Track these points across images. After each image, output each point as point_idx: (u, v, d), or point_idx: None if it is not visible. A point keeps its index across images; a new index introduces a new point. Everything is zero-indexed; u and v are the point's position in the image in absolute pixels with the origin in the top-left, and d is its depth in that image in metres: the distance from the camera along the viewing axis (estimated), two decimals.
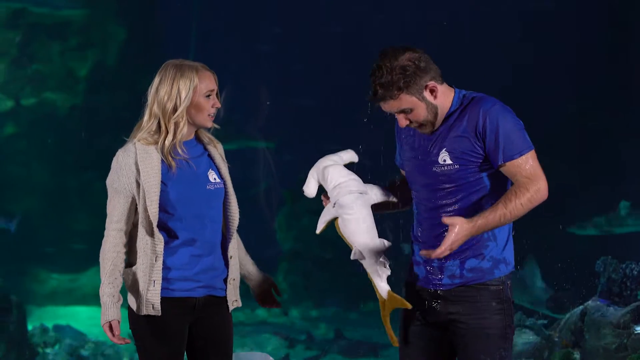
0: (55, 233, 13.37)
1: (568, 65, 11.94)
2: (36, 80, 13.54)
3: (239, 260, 4.20)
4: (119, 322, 3.89)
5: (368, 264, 3.77)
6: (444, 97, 3.81)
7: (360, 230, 3.77)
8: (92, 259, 13.96)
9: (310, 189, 3.91)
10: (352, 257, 3.77)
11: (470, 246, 3.81)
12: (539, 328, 8.51)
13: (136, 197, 3.91)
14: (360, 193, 3.83)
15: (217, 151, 4.10)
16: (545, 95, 11.61)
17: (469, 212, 3.76)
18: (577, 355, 7.49)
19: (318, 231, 3.87)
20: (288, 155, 13.47)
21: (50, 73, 13.59)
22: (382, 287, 3.76)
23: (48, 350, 10.20)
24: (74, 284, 13.37)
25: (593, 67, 11.82)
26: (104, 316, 3.89)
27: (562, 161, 11.43)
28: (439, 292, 3.87)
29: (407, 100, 3.75)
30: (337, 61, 13.47)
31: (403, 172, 4.07)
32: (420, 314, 3.92)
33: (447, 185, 3.81)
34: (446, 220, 3.67)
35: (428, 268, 3.89)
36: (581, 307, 7.66)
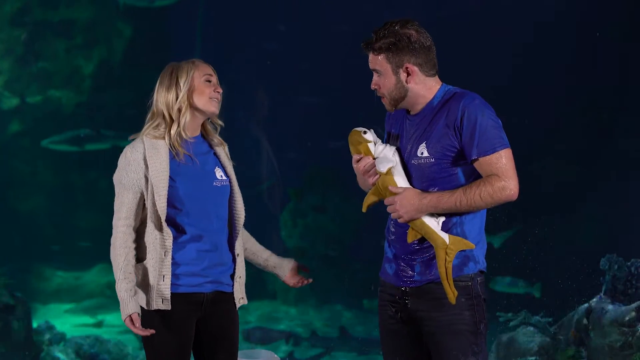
0: (61, 230, 13.39)
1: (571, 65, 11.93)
2: (41, 77, 13.55)
3: (254, 252, 4.26)
4: (138, 314, 3.91)
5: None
6: (424, 86, 3.85)
7: (407, 182, 3.88)
8: (97, 256, 14.05)
9: (369, 134, 3.92)
10: None
11: None
12: (544, 326, 8.51)
13: (145, 193, 3.95)
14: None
15: (224, 150, 4.15)
16: (547, 94, 11.61)
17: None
18: (583, 352, 7.49)
19: (385, 170, 3.86)
20: (292, 153, 13.46)
21: (55, 70, 13.60)
22: (441, 232, 3.78)
23: (53, 348, 10.21)
24: (79, 281, 13.38)
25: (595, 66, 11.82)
26: (124, 311, 3.91)
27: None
28: (408, 289, 3.87)
29: (382, 63, 3.84)
30: (342, 59, 13.46)
31: None
32: (395, 312, 3.93)
33: (423, 181, 3.83)
34: (393, 190, 3.78)
35: (398, 265, 3.90)
36: (586, 305, 7.66)
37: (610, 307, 7.42)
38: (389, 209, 3.82)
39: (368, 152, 3.89)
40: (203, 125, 4.15)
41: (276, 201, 13.43)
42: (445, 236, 3.77)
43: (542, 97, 11.49)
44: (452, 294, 3.75)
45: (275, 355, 5.46)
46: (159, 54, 13.87)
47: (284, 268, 4.34)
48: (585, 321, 7.52)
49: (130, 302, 3.91)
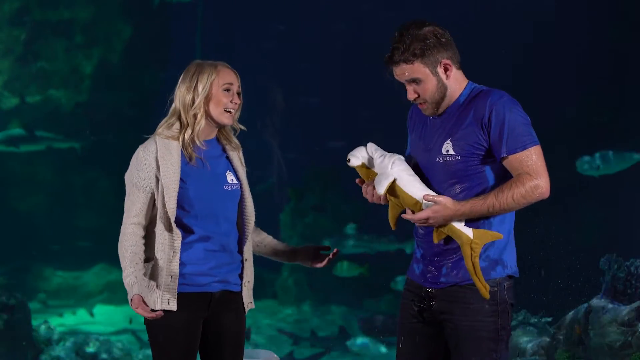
0: (60, 230, 13.38)
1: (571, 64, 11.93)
2: (41, 77, 13.55)
3: (272, 247, 4.24)
4: (141, 297, 3.85)
5: None
6: (456, 82, 3.80)
7: (423, 185, 3.76)
8: (96, 256, 13.96)
9: (355, 159, 3.82)
10: (425, 208, 3.73)
11: None
12: (544, 326, 8.51)
13: (155, 193, 3.95)
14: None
15: (237, 155, 4.13)
16: (549, 93, 11.61)
17: None
18: (582, 352, 7.49)
19: (383, 191, 3.75)
20: (292, 153, 13.46)
21: (55, 70, 13.60)
22: (465, 227, 3.70)
23: (52, 348, 10.21)
24: (79, 281, 13.38)
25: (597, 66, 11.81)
26: (129, 295, 3.87)
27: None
28: (433, 290, 3.82)
29: (420, 69, 3.74)
30: (341, 59, 13.47)
31: None
32: (418, 312, 3.88)
33: (448, 179, 3.76)
34: (429, 198, 3.66)
35: (425, 266, 3.85)
36: (585, 304, 7.65)
37: (610, 307, 7.41)
38: (419, 224, 3.73)
39: (368, 174, 3.82)
40: (220, 129, 4.13)
41: (276, 201, 13.43)
42: (469, 231, 3.69)
43: (542, 96, 11.48)
44: (484, 288, 3.67)
45: (275, 355, 5.47)
46: (159, 54, 13.88)
47: (304, 258, 4.28)
48: (584, 321, 7.52)
49: (135, 285, 3.87)
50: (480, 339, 3.76)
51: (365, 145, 3.86)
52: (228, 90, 4.01)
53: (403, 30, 3.76)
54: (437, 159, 3.78)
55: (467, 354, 3.77)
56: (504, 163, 3.72)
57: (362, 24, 13.10)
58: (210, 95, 3.99)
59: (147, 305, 3.85)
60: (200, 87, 3.98)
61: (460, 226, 3.70)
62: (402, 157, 3.82)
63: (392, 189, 3.75)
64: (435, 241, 3.76)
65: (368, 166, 3.82)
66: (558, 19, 11.99)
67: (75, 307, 13.02)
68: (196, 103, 3.98)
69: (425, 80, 3.75)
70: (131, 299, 3.86)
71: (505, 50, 11.99)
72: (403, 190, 3.73)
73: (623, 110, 11.49)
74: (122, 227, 3.98)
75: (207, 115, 4.01)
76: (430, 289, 3.84)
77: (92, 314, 12.50)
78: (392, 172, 3.74)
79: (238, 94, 4.05)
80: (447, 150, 3.76)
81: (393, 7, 12.11)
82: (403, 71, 3.76)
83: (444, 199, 3.67)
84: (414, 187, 3.73)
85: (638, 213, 10.62)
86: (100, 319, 12.58)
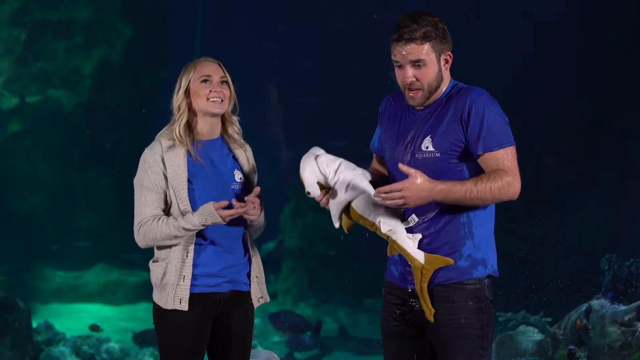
0: (60, 230, 13.39)
1: (573, 63, 11.93)
2: (41, 77, 13.56)
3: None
4: (213, 205, 3.88)
5: (398, 233, 3.71)
6: (447, 77, 3.80)
7: (378, 203, 3.69)
8: (96, 256, 13.89)
9: (315, 189, 3.82)
10: (385, 231, 3.70)
11: (445, 243, 3.74)
12: (544, 326, 8.51)
13: (167, 192, 3.98)
14: (355, 169, 3.79)
15: (245, 154, 4.15)
16: (550, 91, 11.61)
17: (444, 210, 3.71)
18: (581, 352, 7.49)
19: (337, 225, 3.78)
20: (292, 153, 13.47)
21: (55, 70, 13.61)
22: (417, 252, 3.70)
23: (52, 348, 10.21)
24: (79, 281, 13.38)
25: (600, 64, 11.82)
26: (213, 217, 3.89)
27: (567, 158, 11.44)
28: (414, 291, 3.79)
29: (427, 52, 3.71)
30: (341, 59, 13.47)
31: (376, 159, 4.04)
32: (400, 314, 3.86)
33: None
34: (403, 168, 3.60)
35: (404, 266, 3.82)
36: (586, 304, 7.65)
37: (610, 307, 7.41)
38: (390, 196, 3.61)
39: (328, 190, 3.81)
40: (225, 127, 4.15)
41: (276, 201, 13.44)
42: (420, 256, 3.69)
43: (542, 97, 11.49)
44: (429, 312, 3.71)
45: (275, 355, 5.47)
46: (159, 54, 13.88)
47: None
48: (585, 321, 7.52)
49: (203, 212, 3.88)
50: (467, 336, 3.75)
51: (307, 159, 3.88)
52: (206, 81, 4.04)
53: (414, 13, 3.74)
54: (417, 156, 3.75)
55: (455, 353, 3.75)
56: (479, 160, 3.69)
57: (363, 24, 13.09)
58: (190, 90, 4.04)
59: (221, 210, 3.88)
60: (183, 82, 4.03)
61: (412, 250, 3.69)
62: (357, 173, 3.76)
63: (348, 210, 3.74)
64: (389, 254, 3.77)
65: (325, 185, 3.80)
66: (559, 19, 12.00)
67: (76, 307, 13.04)
68: (178, 95, 4.03)
69: (429, 65, 3.72)
70: (218, 216, 3.86)
71: (505, 50, 12.01)
72: (359, 214, 3.72)
73: (623, 111, 11.49)
74: (140, 226, 3.98)
75: (195, 110, 4.05)
76: (411, 290, 3.82)
77: None
78: (345, 197, 3.74)
79: (224, 82, 4.06)
80: (427, 147, 3.74)
81: (393, 7, 12.09)
82: (410, 51, 3.71)
83: (418, 174, 3.60)
84: (368, 209, 3.70)
85: (638, 213, 10.63)
86: (100, 319, 12.59)
